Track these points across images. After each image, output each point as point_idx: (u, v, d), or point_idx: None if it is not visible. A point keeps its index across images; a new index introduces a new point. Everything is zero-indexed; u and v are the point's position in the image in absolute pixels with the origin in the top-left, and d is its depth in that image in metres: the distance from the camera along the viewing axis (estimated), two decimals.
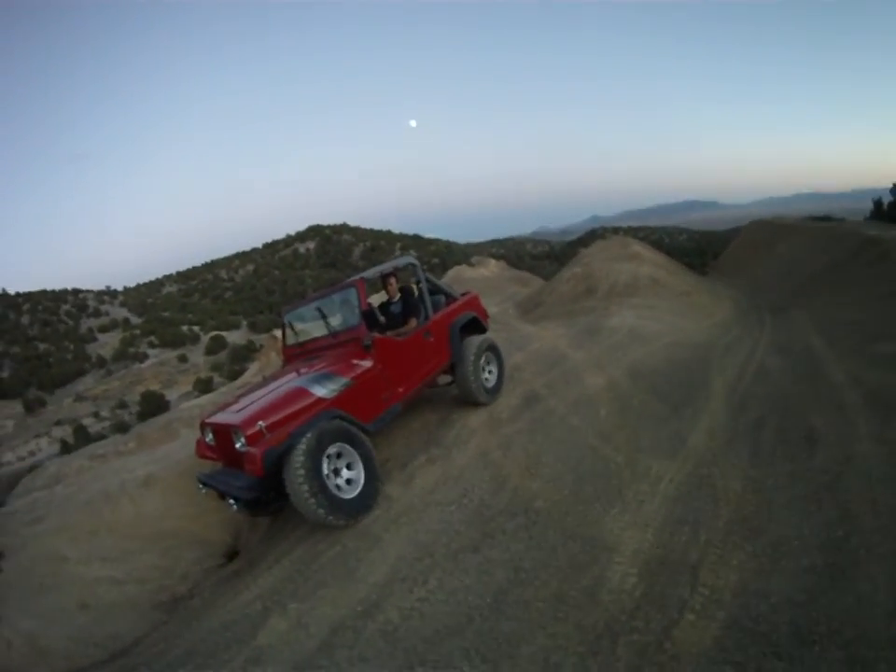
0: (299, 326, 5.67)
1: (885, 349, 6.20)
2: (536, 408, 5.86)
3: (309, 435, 3.88)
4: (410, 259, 5.99)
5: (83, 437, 19.10)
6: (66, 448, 17.26)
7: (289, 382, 4.57)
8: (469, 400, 5.84)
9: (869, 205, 20.74)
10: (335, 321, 5.23)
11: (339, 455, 4.13)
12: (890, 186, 18.67)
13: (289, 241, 72.45)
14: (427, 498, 4.38)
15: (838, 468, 3.96)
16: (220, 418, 4.54)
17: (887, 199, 19.05)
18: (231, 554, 5.18)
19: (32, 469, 10.67)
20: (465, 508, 4.18)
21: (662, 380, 6.67)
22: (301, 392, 4.33)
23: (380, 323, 5.06)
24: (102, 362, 33.82)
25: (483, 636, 2.88)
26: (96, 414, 26.96)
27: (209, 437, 4.65)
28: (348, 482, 4.18)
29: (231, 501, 4.09)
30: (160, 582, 4.82)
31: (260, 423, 3.98)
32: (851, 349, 6.71)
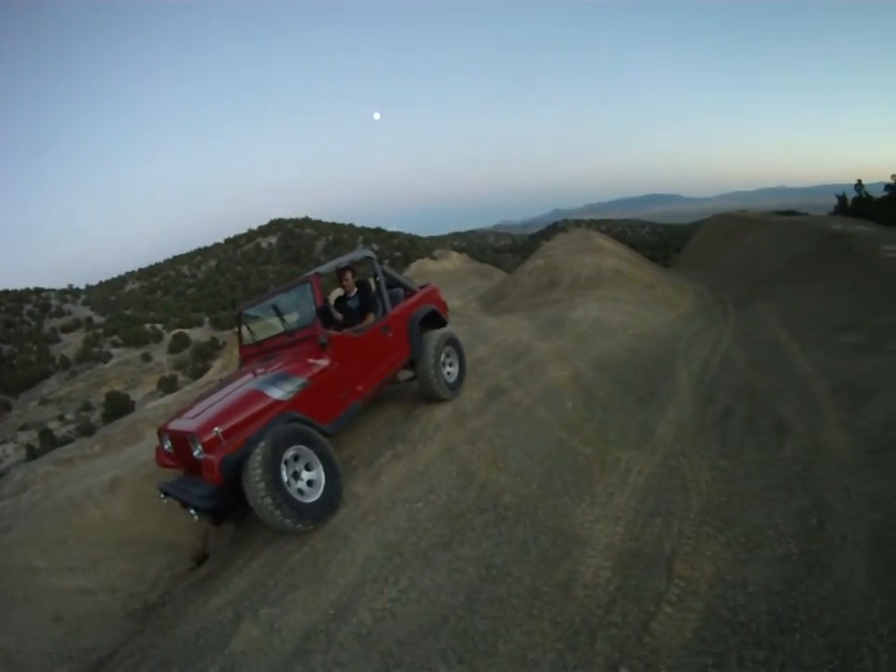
0: (255, 324, 5.53)
1: (850, 339, 6.32)
2: (501, 401, 5.78)
3: (263, 444, 3.73)
4: (366, 252, 5.82)
5: (49, 441, 18.75)
6: (33, 453, 16.90)
7: (245, 384, 4.43)
8: (430, 396, 5.71)
9: (832, 201, 21.25)
10: (291, 319, 5.12)
11: (296, 458, 3.99)
12: (854, 182, 19.13)
13: (252, 235, 72.13)
14: (394, 496, 4.29)
15: (808, 457, 4.00)
16: (177, 425, 4.37)
17: (851, 195, 19.51)
18: (201, 558, 5.05)
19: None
20: (433, 504, 4.10)
21: (628, 371, 6.69)
22: (256, 395, 4.18)
23: (336, 319, 4.94)
24: (66, 363, 33.20)
25: (458, 635, 2.83)
26: (61, 417, 26.46)
27: (167, 444, 4.50)
28: (309, 483, 4.05)
29: (192, 511, 3.95)
30: (131, 590, 4.69)
31: (216, 429, 3.84)
32: (817, 340, 6.83)
